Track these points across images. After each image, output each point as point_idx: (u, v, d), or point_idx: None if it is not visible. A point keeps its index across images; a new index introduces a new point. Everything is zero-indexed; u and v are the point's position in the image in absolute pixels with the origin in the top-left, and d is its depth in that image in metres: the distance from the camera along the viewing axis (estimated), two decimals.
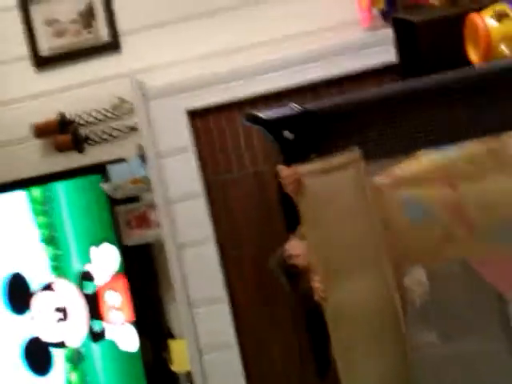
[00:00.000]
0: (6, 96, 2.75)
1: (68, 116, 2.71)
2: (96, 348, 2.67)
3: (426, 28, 1.55)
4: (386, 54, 2.03)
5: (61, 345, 2.69)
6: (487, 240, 1.32)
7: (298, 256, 1.52)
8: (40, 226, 2.77)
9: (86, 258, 2.69)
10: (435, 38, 1.55)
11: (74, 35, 2.70)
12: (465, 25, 1.54)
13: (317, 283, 1.35)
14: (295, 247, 1.53)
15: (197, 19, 2.57)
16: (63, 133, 2.71)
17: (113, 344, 2.63)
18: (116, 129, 2.65)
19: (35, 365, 2.73)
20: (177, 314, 2.50)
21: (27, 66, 2.74)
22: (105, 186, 2.58)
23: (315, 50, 2.36)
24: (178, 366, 2.48)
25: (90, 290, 2.67)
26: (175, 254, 2.45)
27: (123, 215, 2.62)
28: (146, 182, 2.50)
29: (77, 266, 2.70)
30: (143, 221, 2.59)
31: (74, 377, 2.71)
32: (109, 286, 2.65)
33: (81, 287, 2.67)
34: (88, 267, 2.68)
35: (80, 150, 2.72)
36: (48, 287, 2.72)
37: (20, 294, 2.74)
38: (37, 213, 2.78)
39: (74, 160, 2.74)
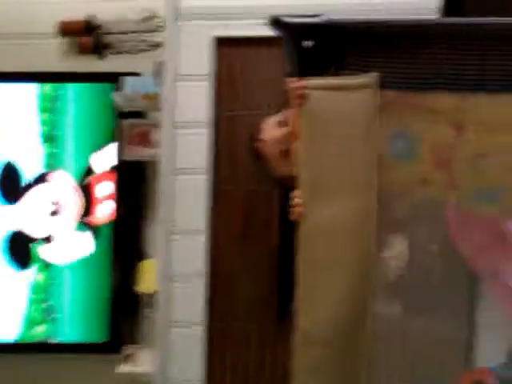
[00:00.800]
0: None
1: (96, 20, 2.67)
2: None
3: None
4: None
5: (46, 240, 2.67)
6: (465, 200, 1.27)
7: (265, 142, 1.60)
8: (43, 122, 2.74)
9: (83, 161, 2.66)
10: None
11: None
12: None
13: (297, 198, 1.32)
14: (267, 132, 1.58)
15: None
16: (87, 35, 2.68)
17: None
18: (141, 41, 2.60)
19: (15, 258, 2.71)
20: (154, 238, 2.47)
21: None
22: (115, 96, 2.54)
23: None
24: (144, 286, 2.45)
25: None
26: (168, 177, 2.41)
27: (126, 129, 2.59)
28: (156, 99, 2.46)
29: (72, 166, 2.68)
30: (144, 138, 2.55)
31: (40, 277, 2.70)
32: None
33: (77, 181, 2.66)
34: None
35: (100, 55, 2.68)
36: (43, 179, 2.69)
37: (12, 183, 2.71)
38: (43, 109, 2.75)
39: (92, 64, 2.70)
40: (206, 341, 2.33)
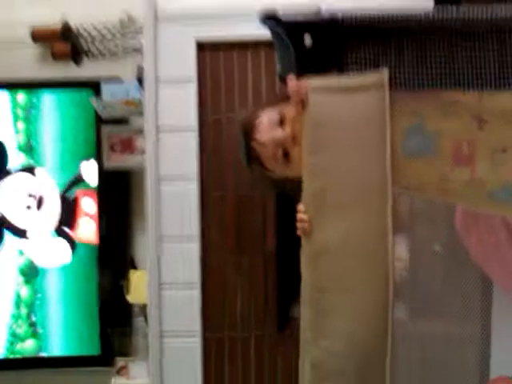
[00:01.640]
0: None
1: (72, 25, 2.59)
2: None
3: None
4: None
5: (22, 233, 2.59)
6: (484, 196, 1.17)
7: (262, 143, 1.39)
8: (18, 132, 2.65)
9: (61, 173, 2.59)
10: None
11: None
12: None
13: (301, 213, 1.20)
14: (264, 133, 1.37)
15: None
16: (63, 41, 2.60)
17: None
18: (120, 46, 2.53)
19: None
20: (143, 247, 2.42)
21: None
22: (94, 102, 2.47)
23: None
24: (135, 297, 2.39)
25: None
26: (154, 185, 2.35)
27: (108, 136, 2.52)
28: (138, 105, 2.40)
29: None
30: (128, 146, 2.49)
31: (24, 291, 2.62)
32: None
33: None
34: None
35: (77, 61, 2.60)
36: (29, 170, 2.61)
37: None
38: (18, 118, 2.66)
39: (68, 71, 2.62)
40: (201, 351, 2.28)
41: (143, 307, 2.35)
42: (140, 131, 2.41)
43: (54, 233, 2.57)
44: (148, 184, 2.34)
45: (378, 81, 1.15)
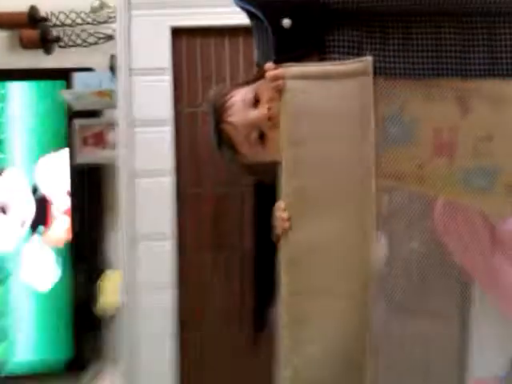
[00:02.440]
0: None
1: (41, 11, 2.45)
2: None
3: None
4: None
5: None
6: (461, 184, 1.10)
7: (235, 125, 1.30)
8: None
9: (32, 168, 2.46)
10: None
11: None
12: None
13: (280, 211, 1.11)
14: (237, 114, 1.30)
15: None
16: (32, 28, 2.46)
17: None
18: (92, 34, 2.40)
19: None
20: (116, 245, 2.30)
21: None
22: (65, 94, 2.34)
23: None
24: (108, 299, 2.28)
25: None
26: (127, 181, 2.23)
27: (79, 130, 2.40)
28: (111, 96, 2.27)
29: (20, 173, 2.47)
30: (100, 139, 2.37)
31: None
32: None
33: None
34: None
35: (47, 50, 2.47)
36: None
37: None
38: None
39: (38, 60, 2.49)
40: (178, 353, 2.18)
41: (116, 309, 2.23)
42: (113, 124, 2.30)
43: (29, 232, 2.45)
44: (121, 179, 2.22)
45: (362, 68, 1.05)
